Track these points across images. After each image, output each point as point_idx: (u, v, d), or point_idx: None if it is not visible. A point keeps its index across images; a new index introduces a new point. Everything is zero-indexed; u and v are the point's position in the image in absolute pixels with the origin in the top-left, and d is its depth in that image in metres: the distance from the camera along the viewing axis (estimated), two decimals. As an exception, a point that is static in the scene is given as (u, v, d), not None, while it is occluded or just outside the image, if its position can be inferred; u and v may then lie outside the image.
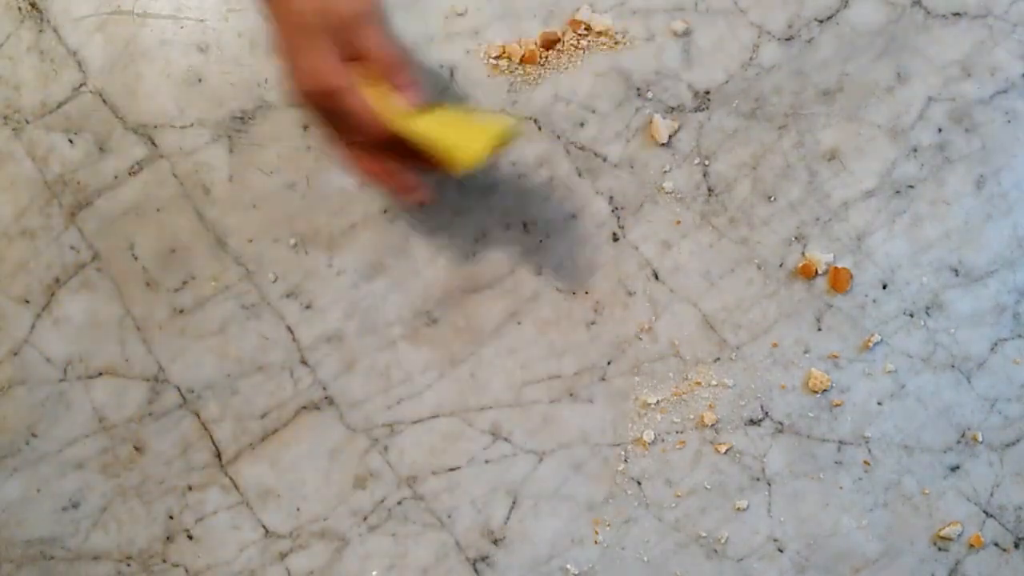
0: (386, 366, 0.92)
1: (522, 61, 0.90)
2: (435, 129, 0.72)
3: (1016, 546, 0.89)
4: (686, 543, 0.91)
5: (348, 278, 0.93)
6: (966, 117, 0.92)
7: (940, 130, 0.92)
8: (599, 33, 0.89)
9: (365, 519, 0.92)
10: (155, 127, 0.93)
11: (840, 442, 0.91)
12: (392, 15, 0.92)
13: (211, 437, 0.93)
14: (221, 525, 0.93)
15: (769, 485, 0.91)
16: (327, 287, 0.93)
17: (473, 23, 0.92)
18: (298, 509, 0.93)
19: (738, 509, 0.90)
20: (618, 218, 0.92)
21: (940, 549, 0.88)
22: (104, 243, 0.94)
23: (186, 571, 0.93)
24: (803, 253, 0.91)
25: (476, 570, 0.92)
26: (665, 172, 0.92)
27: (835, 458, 0.91)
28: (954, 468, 0.91)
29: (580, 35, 0.90)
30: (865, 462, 0.90)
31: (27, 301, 0.94)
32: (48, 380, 0.94)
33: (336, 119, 0.73)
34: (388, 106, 0.72)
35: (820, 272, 0.90)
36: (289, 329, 0.93)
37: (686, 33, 0.91)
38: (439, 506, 0.92)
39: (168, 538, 0.93)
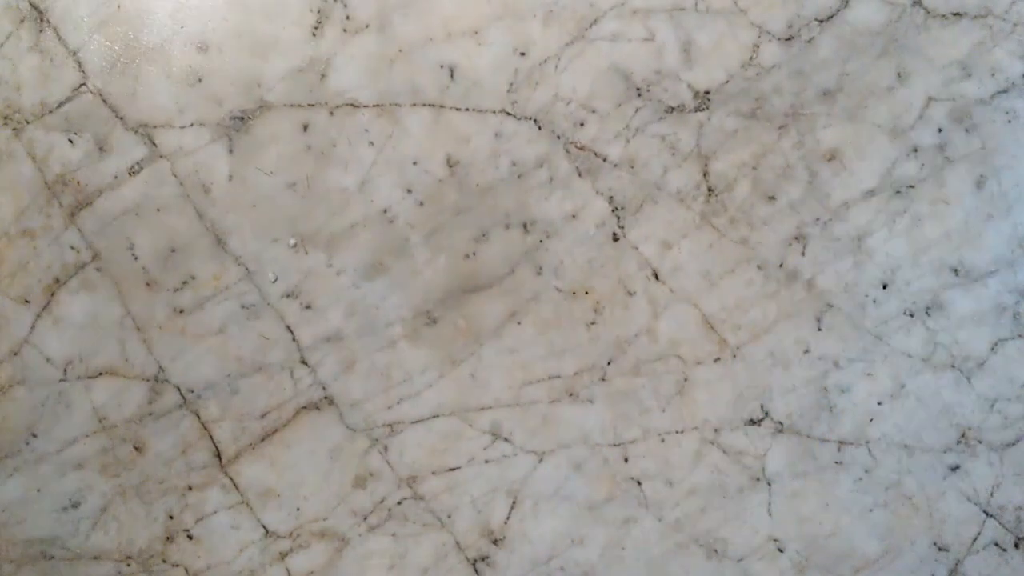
0: (386, 366, 0.92)
1: None
2: None
3: (1016, 546, 0.89)
4: (686, 543, 0.91)
5: (348, 278, 0.93)
6: (966, 117, 0.92)
7: (940, 130, 0.92)
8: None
9: (365, 519, 0.92)
10: (155, 127, 0.93)
11: (840, 442, 0.91)
12: (392, 15, 0.92)
13: (211, 437, 0.93)
14: (221, 525, 0.93)
15: (769, 485, 0.91)
16: (327, 287, 0.93)
17: (473, 23, 0.92)
18: (298, 509, 0.93)
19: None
20: (618, 218, 0.92)
21: (940, 549, 0.88)
22: (104, 243, 0.94)
23: (186, 571, 0.93)
24: (803, 253, 0.91)
25: (476, 570, 0.92)
26: (665, 172, 0.92)
27: (835, 458, 0.91)
28: (954, 468, 0.90)
29: None
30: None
31: (27, 301, 0.94)
32: (48, 380, 0.94)
33: None
34: None
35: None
36: (289, 329, 0.93)
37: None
38: (439, 506, 0.92)
39: (168, 538, 0.93)
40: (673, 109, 0.92)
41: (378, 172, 0.93)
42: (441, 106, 0.93)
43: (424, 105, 0.93)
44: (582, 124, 0.92)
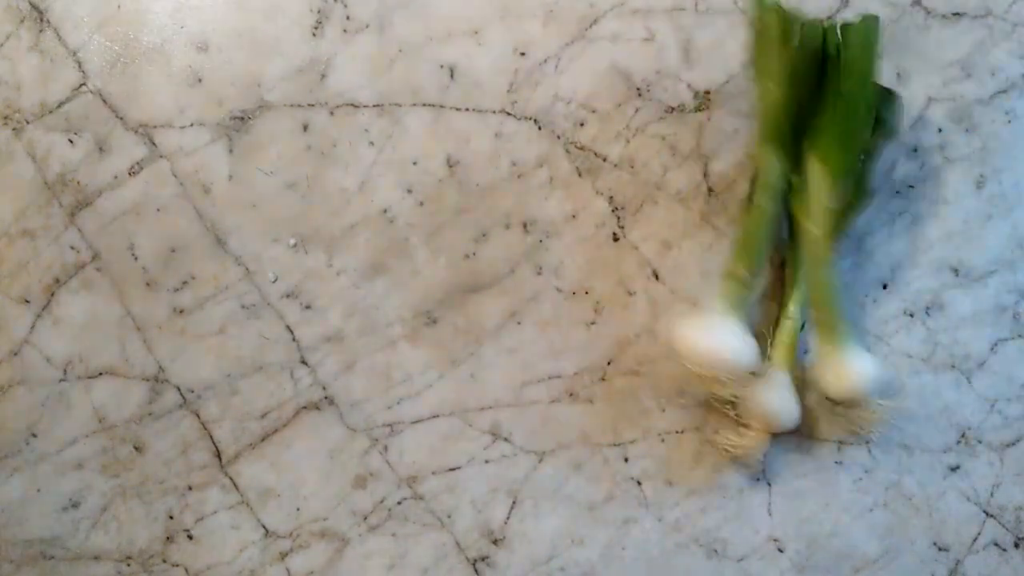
0: (386, 366, 0.92)
1: None
2: None
3: (1016, 546, 0.89)
4: (686, 543, 0.91)
5: (348, 278, 0.93)
6: (966, 117, 0.92)
7: (940, 130, 0.92)
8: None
9: (365, 519, 0.92)
10: (155, 127, 0.93)
11: (840, 442, 0.91)
12: (392, 15, 0.92)
13: (211, 437, 0.93)
14: (221, 525, 0.93)
15: (769, 485, 0.91)
16: (327, 287, 0.93)
17: (473, 23, 0.92)
18: (298, 509, 0.93)
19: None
20: (618, 218, 0.92)
21: (940, 549, 0.88)
22: (104, 243, 0.94)
23: (186, 571, 0.93)
24: None
25: (476, 570, 0.92)
26: (665, 172, 0.92)
27: (835, 458, 0.91)
28: (954, 468, 0.90)
29: None
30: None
31: (27, 301, 0.94)
32: (48, 380, 0.94)
33: None
34: None
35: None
36: (289, 329, 0.93)
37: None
38: (439, 506, 0.92)
39: (168, 538, 0.93)
40: (673, 109, 0.92)
41: (378, 172, 0.93)
42: (441, 106, 0.93)
43: (424, 105, 0.93)
44: (582, 124, 0.92)
